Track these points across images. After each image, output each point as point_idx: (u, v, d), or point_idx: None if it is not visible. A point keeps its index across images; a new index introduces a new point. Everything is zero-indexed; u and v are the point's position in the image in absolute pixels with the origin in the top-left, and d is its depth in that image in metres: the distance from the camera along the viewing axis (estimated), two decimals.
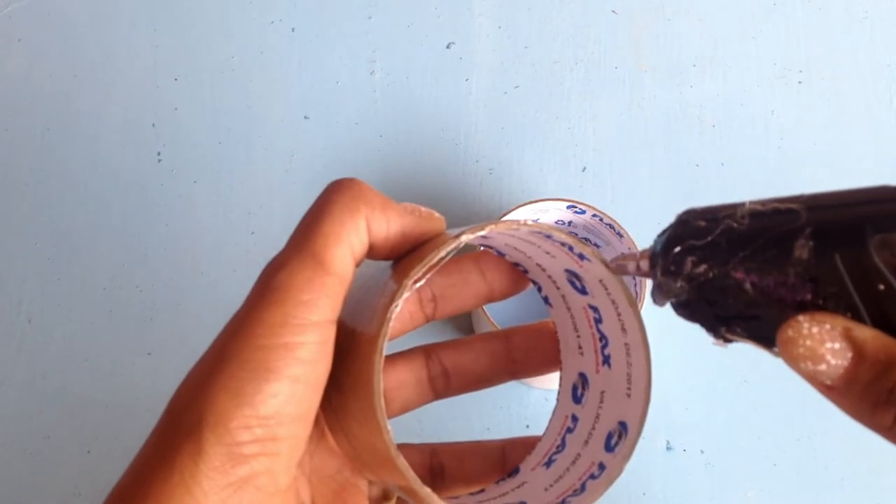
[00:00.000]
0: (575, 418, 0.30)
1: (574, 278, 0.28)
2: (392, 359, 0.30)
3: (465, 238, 0.25)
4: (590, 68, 0.56)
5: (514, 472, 0.30)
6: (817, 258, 0.19)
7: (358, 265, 0.25)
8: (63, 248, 0.54)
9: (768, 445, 0.48)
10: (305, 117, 0.56)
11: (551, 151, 0.54)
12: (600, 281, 0.27)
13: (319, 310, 0.23)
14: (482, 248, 0.29)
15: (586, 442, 0.28)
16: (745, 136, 0.54)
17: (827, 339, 0.19)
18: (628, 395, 0.27)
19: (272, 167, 0.55)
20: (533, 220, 0.26)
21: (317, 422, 0.26)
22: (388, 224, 0.25)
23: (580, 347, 0.30)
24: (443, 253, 0.24)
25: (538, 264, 0.29)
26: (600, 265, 0.26)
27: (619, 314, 0.27)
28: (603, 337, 0.29)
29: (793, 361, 0.20)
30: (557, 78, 0.56)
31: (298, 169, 0.55)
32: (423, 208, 0.26)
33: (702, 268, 0.22)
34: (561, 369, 0.31)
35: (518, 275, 0.29)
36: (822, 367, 0.19)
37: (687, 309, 0.23)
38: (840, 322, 0.19)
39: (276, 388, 0.22)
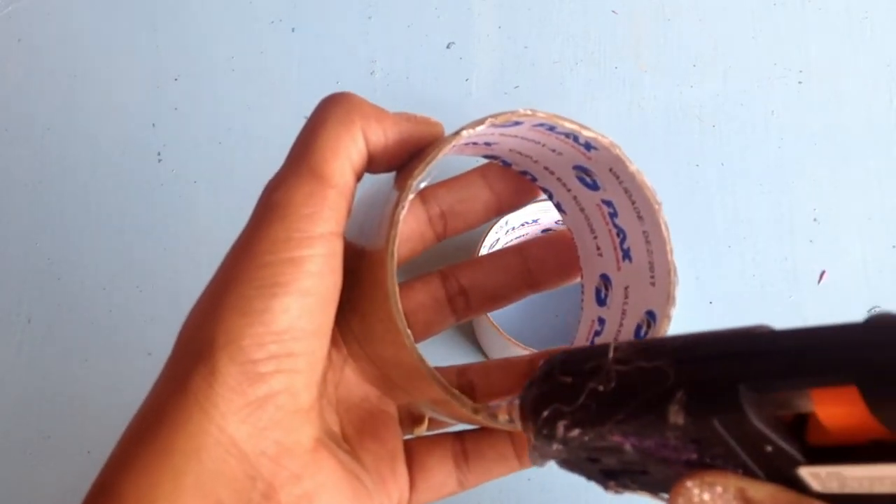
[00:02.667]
0: (602, 320, 0.29)
1: (584, 174, 0.27)
2: (409, 283, 0.29)
3: (465, 133, 0.24)
4: (590, 68, 0.56)
5: None
6: (695, 423, 0.18)
7: (359, 178, 0.24)
8: (63, 248, 0.54)
9: None
10: (305, 117, 0.56)
11: None
12: (610, 170, 0.26)
13: (323, 222, 0.23)
14: (487, 161, 0.28)
15: (615, 339, 0.28)
16: (745, 136, 0.54)
17: None
18: (652, 284, 0.27)
19: (272, 167, 0.54)
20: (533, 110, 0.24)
21: (339, 349, 0.25)
22: (384, 133, 0.24)
23: (598, 248, 0.29)
24: (445, 149, 0.24)
25: (546, 167, 0.28)
26: (609, 150, 0.25)
27: (633, 202, 0.26)
28: (620, 231, 0.28)
29: None
30: (557, 78, 0.56)
31: None
32: (418, 115, 0.26)
33: (575, 432, 0.20)
34: (582, 276, 0.30)
35: (526, 183, 0.29)
36: None
37: (570, 466, 0.22)
38: (733, 482, 0.18)
39: (286, 303, 0.22)
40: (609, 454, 0.20)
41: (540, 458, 0.22)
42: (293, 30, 0.58)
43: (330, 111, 0.24)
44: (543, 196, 0.29)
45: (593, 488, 0.51)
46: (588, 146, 0.26)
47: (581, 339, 0.30)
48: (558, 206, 0.30)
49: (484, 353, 0.50)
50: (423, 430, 0.28)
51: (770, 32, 0.56)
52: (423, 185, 0.24)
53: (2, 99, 0.57)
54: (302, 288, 0.22)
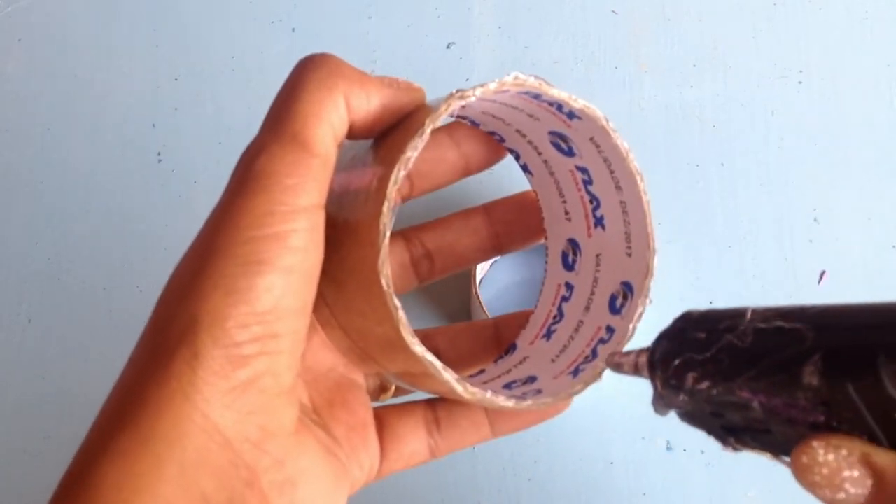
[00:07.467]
0: (569, 286, 0.29)
1: (560, 140, 0.27)
2: None
3: (455, 104, 0.23)
4: (590, 68, 0.56)
5: (512, 348, 0.29)
6: (829, 385, 0.18)
7: (340, 146, 0.23)
8: (63, 248, 0.54)
9: None
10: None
11: None
12: (591, 139, 0.26)
13: (307, 194, 0.21)
14: (455, 120, 0.28)
15: (587, 308, 0.28)
16: (745, 136, 0.54)
17: (844, 467, 0.18)
18: (629, 255, 0.26)
19: None
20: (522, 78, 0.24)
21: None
22: (368, 99, 0.23)
23: (567, 213, 0.29)
24: (439, 121, 0.23)
25: (517, 130, 0.27)
26: (593, 121, 0.25)
27: (612, 171, 0.26)
28: (594, 198, 0.27)
29: (809, 488, 0.18)
30: (557, 78, 0.56)
31: None
32: (401, 79, 0.24)
33: (704, 384, 0.20)
34: (546, 238, 0.30)
35: (494, 144, 0.28)
36: (841, 495, 0.18)
37: (692, 419, 0.22)
38: (858, 447, 0.18)
39: (270, 282, 0.21)
40: (734, 410, 0.20)
41: (664, 407, 0.22)
42: (293, 30, 0.58)
43: (310, 73, 0.23)
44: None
45: (594, 487, 0.51)
46: (571, 115, 0.25)
47: (546, 305, 0.29)
48: (524, 168, 0.29)
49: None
50: (388, 397, 0.28)
51: (770, 32, 0.56)
52: (413, 158, 0.23)
53: (2, 99, 0.57)
54: (286, 265, 0.21)
